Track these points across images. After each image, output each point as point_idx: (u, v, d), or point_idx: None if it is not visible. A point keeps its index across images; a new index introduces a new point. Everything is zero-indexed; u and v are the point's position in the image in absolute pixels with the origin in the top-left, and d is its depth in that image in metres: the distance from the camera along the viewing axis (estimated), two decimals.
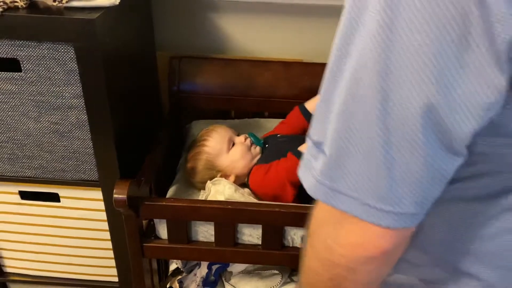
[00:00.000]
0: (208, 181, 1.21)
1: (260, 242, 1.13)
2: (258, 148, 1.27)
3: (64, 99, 1.08)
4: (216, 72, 1.44)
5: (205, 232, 1.13)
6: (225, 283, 1.28)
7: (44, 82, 1.06)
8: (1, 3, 0.97)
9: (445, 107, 0.43)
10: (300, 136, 1.24)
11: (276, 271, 1.25)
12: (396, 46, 0.42)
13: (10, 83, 1.07)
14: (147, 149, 1.25)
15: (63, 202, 1.25)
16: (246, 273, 1.28)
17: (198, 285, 1.30)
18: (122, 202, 1.04)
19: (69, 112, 1.09)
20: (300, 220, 1.04)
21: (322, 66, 0.56)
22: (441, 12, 0.40)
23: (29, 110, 1.10)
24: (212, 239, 1.13)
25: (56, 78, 1.05)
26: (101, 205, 1.23)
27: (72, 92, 1.07)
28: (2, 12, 0.97)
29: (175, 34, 1.48)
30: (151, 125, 1.45)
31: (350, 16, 0.45)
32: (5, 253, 1.37)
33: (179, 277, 1.36)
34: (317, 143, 0.51)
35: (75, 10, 1.00)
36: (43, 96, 1.08)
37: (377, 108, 0.44)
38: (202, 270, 1.30)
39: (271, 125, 1.47)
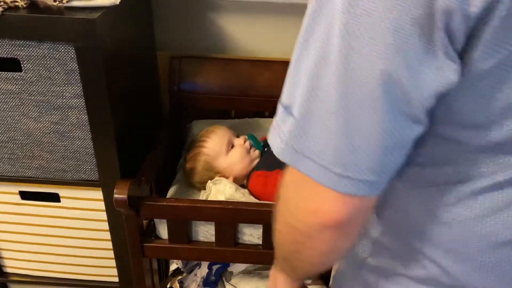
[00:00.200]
0: (209, 181, 1.21)
1: (260, 242, 1.13)
2: (257, 152, 1.27)
3: (64, 99, 1.08)
4: (216, 72, 1.44)
5: (205, 232, 1.13)
6: (226, 283, 1.28)
7: (45, 82, 1.06)
8: (2, 3, 0.97)
9: (404, 71, 0.43)
10: None
11: None
12: (359, 11, 0.43)
13: (10, 83, 1.07)
14: (147, 149, 1.25)
15: (63, 202, 1.25)
16: (246, 273, 1.28)
17: (198, 285, 1.30)
18: (122, 202, 1.04)
19: (69, 112, 1.09)
20: None
21: None
22: None
23: (29, 110, 1.10)
24: (213, 239, 1.13)
25: (57, 78, 1.05)
26: (102, 205, 1.23)
27: (73, 92, 1.07)
28: (2, 11, 0.97)
29: (175, 33, 1.47)
30: (151, 125, 1.45)
31: None
32: (5, 253, 1.37)
33: (180, 277, 1.35)
34: (287, 107, 0.52)
35: (75, 10, 1.00)
36: (44, 96, 1.08)
37: (339, 72, 0.45)
38: (203, 270, 1.30)
39: (271, 125, 1.47)
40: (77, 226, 1.28)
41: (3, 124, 1.12)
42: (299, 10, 1.38)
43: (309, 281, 1.24)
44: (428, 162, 0.53)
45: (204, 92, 1.44)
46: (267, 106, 1.46)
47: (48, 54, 1.02)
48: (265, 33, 1.46)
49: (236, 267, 1.29)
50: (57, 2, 1.00)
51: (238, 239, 1.13)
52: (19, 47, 1.02)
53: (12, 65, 1.04)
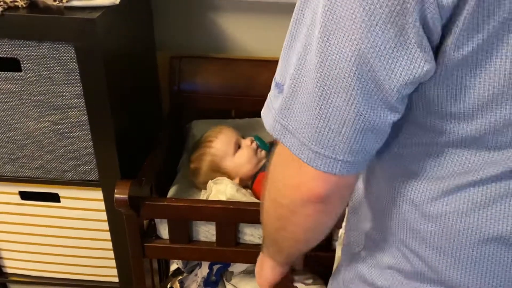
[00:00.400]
0: (210, 181, 1.20)
1: (261, 242, 1.12)
2: (263, 152, 1.26)
3: (64, 99, 1.08)
4: (216, 71, 1.44)
5: (206, 232, 1.13)
6: (226, 283, 1.28)
7: (44, 82, 1.06)
8: (1, 3, 0.97)
9: (375, 58, 0.45)
10: None
11: None
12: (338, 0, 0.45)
13: (10, 83, 1.06)
14: (147, 149, 1.24)
15: (63, 202, 1.25)
16: (247, 273, 1.28)
17: (199, 285, 1.30)
18: (123, 202, 1.03)
19: (69, 112, 1.09)
20: None
21: None
22: None
23: (29, 110, 1.10)
24: (213, 239, 1.12)
25: (56, 78, 1.05)
26: (102, 205, 1.23)
27: (73, 92, 1.07)
28: (2, 11, 0.97)
29: (175, 33, 1.47)
30: (152, 125, 1.44)
31: None
32: (5, 254, 1.37)
33: (180, 277, 1.35)
34: (279, 84, 0.55)
35: (75, 10, 1.00)
36: (43, 96, 1.08)
37: (318, 54, 0.48)
38: (203, 270, 1.30)
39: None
40: (77, 226, 1.28)
41: (3, 124, 1.12)
42: None
43: (309, 281, 1.24)
44: (409, 153, 0.54)
45: (204, 92, 1.44)
46: None
47: (48, 54, 1.02)
48: (265, 33, 1.46)
49: (237, 267, 1.29)
50: (57, 2, 1.00)
51: (239, 239, 1.13)
52: (19, 47, 1.02)
53: (12, 65, 1.04)
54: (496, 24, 0.43)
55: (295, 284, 1.18)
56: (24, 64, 1.04)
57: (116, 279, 1.36)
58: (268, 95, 0.58)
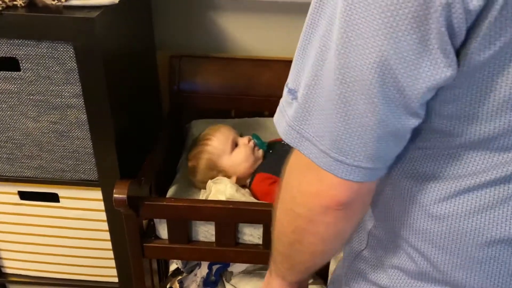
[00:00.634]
0: (209, 180, 1.20)
1: (261, 242, 1.12)
2: (261, 151, 1.26)
3: (63, 98, 1.07)
4: (216, 71, 1.44)
5: (205, 232, 1.13)
6: (226, 283, 1.28)
7: (43, 81, 1.05)
8: (0, 2, 0.97)
9: (397, 63, 0.44)
10: None
11: None
12: (357, 5, 0.44)
13: (9, 82, 1.06)
14: (147, 149, 1.24)
15: (63, 202, 1.25)
16: (246, 273, 1.27)
17: (198, 285, 1.30)
18: (122, 202, 1.03)
19: (68, 111, 1.09)
20: None
21: None
22: None
23: (28, 109, 1.09)
24: (213, 239, 1.12)
25: (55, 77, 1.05)
26: (101, 205, 1.22)
27: (72, 92, 1.06)
28: (1, 11, 0.96)
29: (175, 33, 1.47)
30: (151, 124, 1.44)
31: None
32: (4, 254, 1.37)
33: (180, 277, 1.35)
34: (292, 90, 0.54)
35: (74, 9, 0.99)
36: (42, 96, 1.07)
37: (338, 60, 0.46)
38: (203, 270, 1.30)
39: (271, 124, 1.46)
40: (77, 226, 1.28)
41: (1, 123, 1.12)
42: (299, 9, 1.38)
43: (310, 281, 1.24)
44: (420, 155, 0.54)
45: (204, 91, 1.43)
46: (267, 106, 1.45)
47: (47, 53, 1.02)
48: (265, 32, 1.45)
49: (236, 267, 1.28)
50: (56, 1, 1.00)
51: (238, 239, 1.13)
52: (18, 46, 1.01)
53: (10, 64, 1.04)
54: None
55: None
56: (23, 63, 1.03)
57: (116, 279, 1.36)
58: (280, 101, 0.56)
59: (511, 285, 0.54)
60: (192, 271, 1.34)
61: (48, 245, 1.32)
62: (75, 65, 1.03)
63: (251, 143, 1.26)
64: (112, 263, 1.32)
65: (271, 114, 1.69)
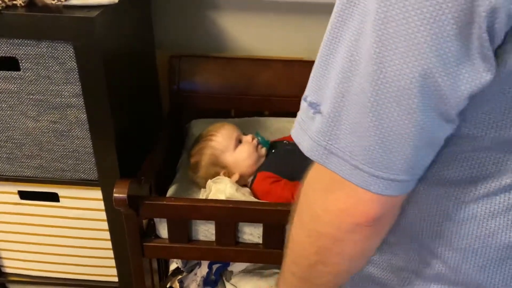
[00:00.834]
0: (209, 180, 1.20)
1: (261, 241, 1.12)
2: (264, 149, 1.27)
3: (63, 98, 1.07)
4: (216, 71, 1.44)
5: (205, 231, 1.13)
6: (226, 283, 1.28)
7: (43, 81, 1.05)
8: (0, 2, 0.97)
9: (441, 72, 0.43)
10: None
11: (277, 270, 1.24)
12: (395, 10, 0.42)
13: (8, 82, 1.06)
14: (146, 148, 1.24)
15: (63, 202, 1.25)
16: (246, 272, 1.27)
17: (198, 285, 1.30)
18: (122, 201, 1.03)
19: (68, 111, 1.09)
20: None
21: None
22: None
23: (28, 109, 1.09)
24: (213, 238, 1.12)
25: (55, 77, 1.05)
26: (101, 204, 1.22)
27: (71, 91, 1.06)
28: (0, 10, 0.96)
29: (175, 32, 1.47)
30: (151, 124, 1.44)
31: None
32: (4, 254, 1.37)
33: (180, 276, 1.35)
34: (314, 104, 0.51)
35: (74, 8, 0.99)
36: (42, 95, 1.07)
37: (372, 70, 0.45)
38: (203, 270, 1.30)
39: (271, 124, 1.47)
40: (77, 226, 1.28)
41: (1, 123, 1.12)
42: (299, 8, 1.38)
43: None
44: (442, 159, 0.52)
45: (203, 91, 1.44)
46: (267, 106, 1.46)
47: (47, 53, 1.02)
48: (265, 32, 1.45)
49: (236, 267, 1.28)
50: (56, 1, 1.00)
51: (238, 238, 1.13)
52: (17, 46, 1.01)
53: (10, 64, 1.04)
54: None
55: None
56: (23, 63, 1.04)
57: (116, 279, 1.36)
58: (298, 115, 0.53)
59: None
60: (192, 270, 1.34)
61: (48, 245, 1.32)
62: (75, 65, 1.03)
63: (255, 141, 1.27)
64: (112, 262, 1.32)
65: (271, 114, 1.70)
